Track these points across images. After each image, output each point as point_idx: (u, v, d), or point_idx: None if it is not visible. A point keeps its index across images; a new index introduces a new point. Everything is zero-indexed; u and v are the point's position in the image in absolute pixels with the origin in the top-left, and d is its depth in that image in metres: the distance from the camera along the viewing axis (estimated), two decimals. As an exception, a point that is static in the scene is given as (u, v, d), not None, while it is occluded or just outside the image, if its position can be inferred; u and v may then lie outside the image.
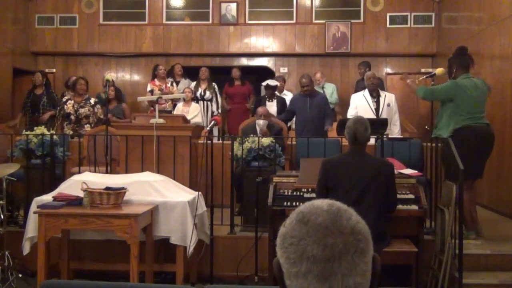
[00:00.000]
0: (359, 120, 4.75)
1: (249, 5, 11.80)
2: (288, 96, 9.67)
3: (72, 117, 8.16)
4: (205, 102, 9.36)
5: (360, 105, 7.85)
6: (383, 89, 9.77)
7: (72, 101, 8.26)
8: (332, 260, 1.21)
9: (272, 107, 8.61)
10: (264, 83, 8.97)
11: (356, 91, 9.89)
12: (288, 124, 8.52)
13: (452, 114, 5.87)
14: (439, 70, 6.46)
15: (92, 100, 8.37)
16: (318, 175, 4.66)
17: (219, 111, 9.55)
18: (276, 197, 5.27)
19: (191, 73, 10.48)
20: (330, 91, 10.63)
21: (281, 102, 8.82)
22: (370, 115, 7.64)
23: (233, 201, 6.31)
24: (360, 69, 10.14)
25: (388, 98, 7.91)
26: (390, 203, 4.64)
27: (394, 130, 7.79)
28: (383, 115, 7.66)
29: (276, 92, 9.16)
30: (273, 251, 5.17)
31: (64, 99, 8.67)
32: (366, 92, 7.92)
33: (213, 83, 9.57)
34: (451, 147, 5.48)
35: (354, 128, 4.59)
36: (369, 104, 7.79)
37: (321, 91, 10.37)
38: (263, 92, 9.58)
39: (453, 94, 5.87)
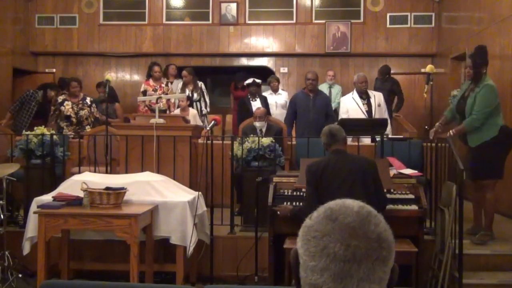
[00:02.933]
0: (330, 124, 5.12)
1: (249, 5, 11.81)
2: (283, 95, 9.67)
3: (74, 119, 8.09)
4: (194, 103, 9.33)
5: (351, 109, 7.79)
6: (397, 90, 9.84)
7: (70, 102, 8.19)
8: (352, 261, 1.20)
9: (256, 107, 8.50)
10: (250, 80, 8.92)
11: (376, 89, 9.94)
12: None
13: (493, 115, 5.77)
14: (429, 68, 6.45)
15: (88, 100, 8.30)
16: (306, 179, 4.66)
17: (208, 109, 9.49)
18: (276, 197, 5.27)
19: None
20: (336, 91, 10.67)
21: (264, 100, 8.81)
22: (362, 117, 7.62)
23: (233, 201, 6.31)
24: (380, 73, 10.29)
25: (377, 98, 7.86)
26: (380, 200, 4.64)
27: (387, 128, 7.76)
28: (376, 116, 7.63)
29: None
30: (273, 251, 5.18)
31: (60, 99, 8.55)
32: (355, 94, 7.85)
33: (199, 82, 9.47)
34: (452, 147, 5.49)
35: (329, 128, 4.85)
36: (359, 107, 7.75)
37: (328, 90, 10.43)
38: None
39: (496, 100, 5.81)
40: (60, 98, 8.62)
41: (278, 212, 4.97)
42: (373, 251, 1.22)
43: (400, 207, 5.06)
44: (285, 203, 5.16)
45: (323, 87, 10.50)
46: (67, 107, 8.12)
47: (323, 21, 11.65)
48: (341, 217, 1.25)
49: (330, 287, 1.20)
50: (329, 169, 4.56)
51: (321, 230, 1.24)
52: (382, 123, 6.64)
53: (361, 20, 11.69)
